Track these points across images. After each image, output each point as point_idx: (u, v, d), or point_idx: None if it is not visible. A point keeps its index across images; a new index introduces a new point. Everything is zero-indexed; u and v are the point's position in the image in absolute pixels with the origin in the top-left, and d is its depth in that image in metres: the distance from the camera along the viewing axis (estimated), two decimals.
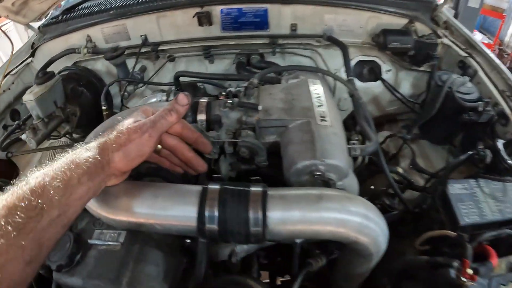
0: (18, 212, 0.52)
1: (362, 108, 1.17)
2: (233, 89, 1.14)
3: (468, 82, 1.38)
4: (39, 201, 0.54)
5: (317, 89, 1.09)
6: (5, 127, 1.58)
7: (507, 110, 1.28)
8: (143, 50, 1.61)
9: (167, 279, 0.84)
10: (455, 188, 1.02)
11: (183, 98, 0.75)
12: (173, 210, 0.75)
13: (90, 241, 0.84)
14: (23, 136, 1.38)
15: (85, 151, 0.64)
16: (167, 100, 1.33)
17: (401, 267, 1.02)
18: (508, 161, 1.13)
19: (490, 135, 1.32)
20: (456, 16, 4.79)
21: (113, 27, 1.62)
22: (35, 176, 0.57)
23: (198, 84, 1.50)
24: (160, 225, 0.76)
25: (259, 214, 0.72)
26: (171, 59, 1.65)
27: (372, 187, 1.38)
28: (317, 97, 1.05)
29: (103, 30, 1.64)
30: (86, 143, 0.67)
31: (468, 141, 1.41)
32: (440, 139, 1.54)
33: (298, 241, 0.87)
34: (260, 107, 0.98)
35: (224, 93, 1.27)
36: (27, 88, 1.42)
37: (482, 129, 1.35)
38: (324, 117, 0.97)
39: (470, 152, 1.17)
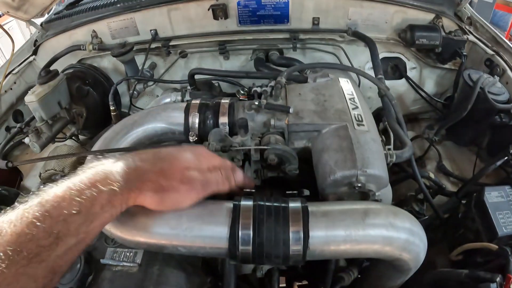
0: (29, 240, 0.45)
1: (395, 110, 1.09)
2: (258, 89, 1.06)
3: (498, 82, 1.31)
4: (55, 229, 0.46)
5: (349, 89, 1.01)
6: (7, 129, 1.50)
7: None
8: (153, 45, 1.52)
9: None
10: (492, 196, 0.98)
11: (243, 179, 0.74)
12: (201, 231, 0.66)
13: (102, 261, 0.78)
14: (26, 140, 1.30)
15: (111, 174, 0.54)
16: (182, 101, 1.24)
17: (435, 278, 0.96)
18: None
19: None
20: None
21: (120, 21, 1.53)
22: (50, 199, 0.48)
23: (214, 82, 1.41)
24: (185, 247, 0.67)
25: (300, 234, 0.65)
26: (183, 55, 1.56)
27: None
28: (351, 98, 0.97)
29: (110, 25, 1.54)
30: (109, 159, 0.58)
31: (496, 143, 1.35)
32: (467, 141, 1.47)
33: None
34: (291, 110, 0.89)
35: (243, 92, 1.18)
36: (30, 88, 1.34)
37: (509, 132, 1.29)
38: (360, 121, 0.89)
39: (505, 158, 1.12)
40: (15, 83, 1.55)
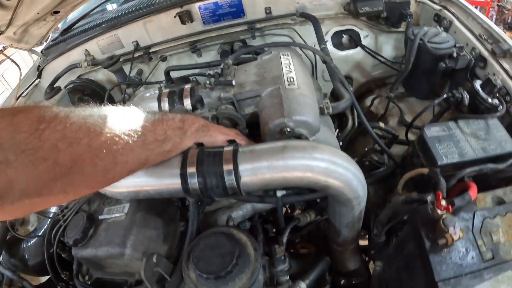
0: (151, 132, 0.71)
1: (334, 71, 1.25)
2: (211, 72, 1.25)
3: (443, 32, 1.41)
4: (167, 132, 0.75)
5: (287, 58, 1.17)
6: None
7: (484, 52, 1.30)
8: (137, 54, 1.76)
9: (166, 241, 0.96)
10: (432, 131, 1.03)
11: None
12: (162, 175, 0.82)
13: (100, 217, 0.97)
14: None
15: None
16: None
17: (386, 214, 1.04)
18: (488, 99, 1.15)
19: (471, 80, 1.32)
20: None
21: (107, 38, 1.77)
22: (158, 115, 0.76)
23: (191, 78, 1.62)
24: (153, 189, 0.84)
25: (231, 167, 0.80)
26: (163, 58, 1.79)
27: (366, 148, 1.43)
28: (286, 65, 1.13)
29: (99, 43, 1.79)
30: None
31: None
32: (425, 94, 1.57)
33: (279, 194, 0.95)
34: (233, 82, 1.09)
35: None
36: None
37: (463, 75, 1.37)
38: (292, 81, 1.06)
39: (444, 95, 1.22)
40: (25, 104, 1.78)
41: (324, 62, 1.29)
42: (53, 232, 1.08)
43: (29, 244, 1.22)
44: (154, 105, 1.18)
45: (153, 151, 0.73)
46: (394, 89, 1.52)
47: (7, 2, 1.33)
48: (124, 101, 1.73)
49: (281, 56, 1.20)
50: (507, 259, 0.76)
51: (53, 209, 1.22)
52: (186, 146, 0.82)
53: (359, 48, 1.70)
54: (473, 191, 0.86)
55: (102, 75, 1.89)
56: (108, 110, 0.66)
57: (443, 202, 0.80)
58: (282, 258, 0.94)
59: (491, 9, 4.79)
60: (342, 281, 1.23)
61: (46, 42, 1.95)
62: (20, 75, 1.72)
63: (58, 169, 0.54)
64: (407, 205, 0.95)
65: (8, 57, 1.81)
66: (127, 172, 0.70)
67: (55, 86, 1.63)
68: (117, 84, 1.72)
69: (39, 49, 1.93)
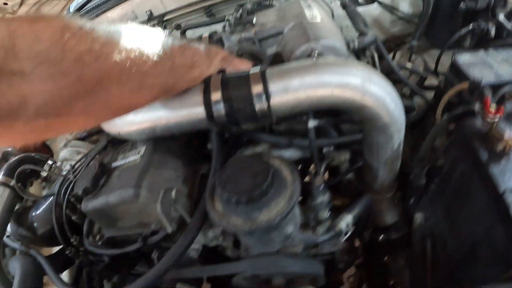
0: (182, 55, 0.69)
1: (355, 14, 1.22)
2: (230, 17, 1.23)
3: None
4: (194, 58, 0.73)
5: (309, 5, 1.14)
6: None
7: None
8: (150, 24, 1.74)
9: (186, 182, 0.86)
10: (464, 58, 0.98)
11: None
12: (181, 102, 0.77)
13: (114, 164, 0.87)
14: None
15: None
16: None
17: (427, 146, 0.97)
18: None
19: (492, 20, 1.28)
20: None
21: (119, 11, 1.77)
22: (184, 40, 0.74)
23: None
24: (173, 121, 0.78)
25: (261, 87, 0.74)
26: (177, 26, 1.77)
27: None
28: (308, 7, 1.11)
29: (112, 16, 1.79)
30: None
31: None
32: (449, 43, 1.49)
33: (311, 125, 0.89)
34: (254, 20, 1.06)
35: None
36: None
37: (485, 17, 1.32)
38: (314, 17, 1.04)
39: (470, 25, 1.17)
40: None
41: (344, 7, 1.25)
42: (63, 190, 1.00)
43: (38, 212, 1.12)
44: None
45: (181, 77, 0.70)
46: (416, 38, 1.48)
47: None
48: None
49: (302, 2, 1.17)
50: None
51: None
52: (211, 74, 0.79)
53: (375, 4, 1.66)
54: None
55: None
56: (136, 28, 0.62)
57: (493, 107, 0.74)
58: (322, 187, 0.83)
59: None
60: (381, 236, 1.14)
61: None
62: None
63: (82, 85, 0.50)
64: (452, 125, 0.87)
65: None
66: (152, 96, 0.66)
67: None
68: None
69: None
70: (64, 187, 1.00)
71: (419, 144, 1.18)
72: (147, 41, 0.61)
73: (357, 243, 1.11)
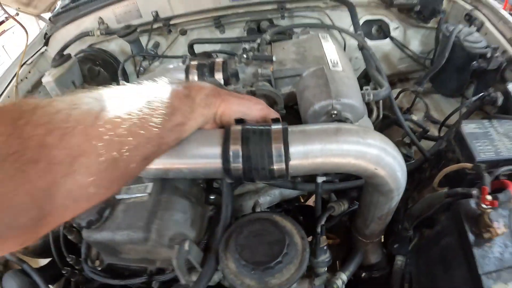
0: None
1: (373, 59, 1.20)
2: (247, 46, 1.18)
3: (475, 32, 1.40)
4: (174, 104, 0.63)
5: (327, 42, 1.12)
6: None
7: None
8: (155, 26, 1.66)
9: (194, 225, 0.86)
10: (470, 127, 1.02)
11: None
12: (198, 151, 0.75)
13: (117, 197, 0.85)
14: None
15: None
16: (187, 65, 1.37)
17: (421, 207, 1.01)
18: None
19: (501, 82, 1.32)
20: None
21: (124, 6, 1.67)
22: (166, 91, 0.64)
23: (212, 54, 1.54)
24: (187, 168, 0.76)
25: (281, 148, 0.72)
26: (183, 32, 1.70)
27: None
28: (327, 48, 1.08)
29: (115, 11, 1.68)
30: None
31: (480, 91, 1.40)
32: (453, 91, 1.55)
33: (319, 180, 0.90)
34: (274, 58, 1.02)
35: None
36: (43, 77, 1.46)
37: (493, 77, 1.36)
38: (336, 63, 1.01)
39: (481, 94, 1.20)
40: (29, 72, 1.67)
41: (362, 48, 1.23)
42: None
43: None
44: (180, 77, 1.11)
45: (163, 127, 0.60)
46: (423, 84, 1.49)
47: None
48: (138, 74, 1.64)
49: (321, 37, 1.14)
50: None
51: None
52: (198, 116, 0.71)
53: (387, 40, 1.66)
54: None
55: (115, 46, 1.78)
56: (99, 92, 0.54)
57: (489, 197, 0.79)
58: (325, 248, 0.88)
59: None
60: (363, 274, 1.18)
61: (56, 8, 1.82)
62: (27, 40, 1.60)
63: (54, 170, 0.43)
64: (448, 199, 0.92)
65: (13, 18, 1.67)
66: (141, 159, 0.57)
67: (64, 53, 1.52)
68: (133, 55, 1.62)
69: (46, 16, 1.80)
70: None
71: (411, 193, 1.23)
72: (116, 101, 0.53)
73: None
